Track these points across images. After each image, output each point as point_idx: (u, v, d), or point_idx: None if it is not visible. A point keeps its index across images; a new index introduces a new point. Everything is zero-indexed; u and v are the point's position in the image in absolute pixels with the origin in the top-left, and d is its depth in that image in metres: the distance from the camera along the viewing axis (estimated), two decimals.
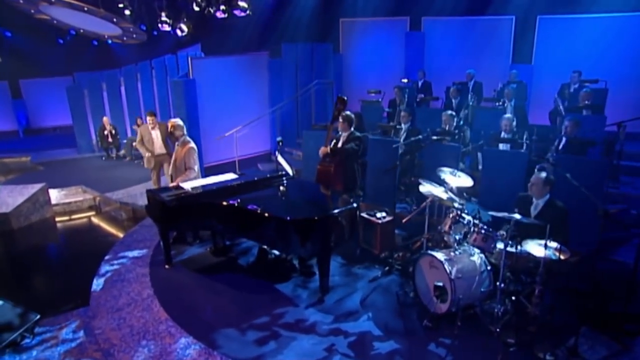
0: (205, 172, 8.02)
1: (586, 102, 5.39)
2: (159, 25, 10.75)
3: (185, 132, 4.84)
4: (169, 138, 5.25)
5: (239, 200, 3.81)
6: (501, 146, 4.84)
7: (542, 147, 4.90)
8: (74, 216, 7.08)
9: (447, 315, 3.34)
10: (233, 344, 3.24)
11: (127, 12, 9.66)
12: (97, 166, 9.52)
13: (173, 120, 4.80)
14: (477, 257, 3.46)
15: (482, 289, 3.39)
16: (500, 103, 6.13)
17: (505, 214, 3.15)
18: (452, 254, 3.44)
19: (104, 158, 10.09)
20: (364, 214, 4.53)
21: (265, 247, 4.65)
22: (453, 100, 6.74)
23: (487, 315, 3.35)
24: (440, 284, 3.31)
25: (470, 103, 6.74)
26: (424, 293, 3.58)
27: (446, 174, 4.13)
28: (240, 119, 7.99)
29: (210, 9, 9.94)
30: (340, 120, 4.69)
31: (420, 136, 5.06)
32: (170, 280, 4.27)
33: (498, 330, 3.11)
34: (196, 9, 10.21)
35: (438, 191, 3.85)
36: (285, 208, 3.75)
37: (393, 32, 9.29)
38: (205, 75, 7.61)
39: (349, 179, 4.85)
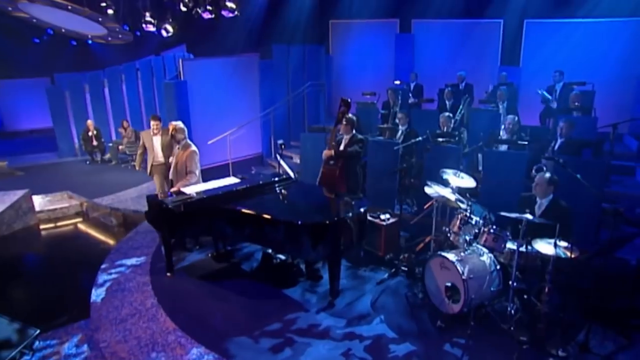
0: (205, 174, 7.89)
1: (576, 103, 5.58)
2: (143, 25, 10.48)
3: (186, 135, 4.73)
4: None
5: (247, 205, 3.74)
6: (499, 147, 4.94)
7: (536, 147, 5.02)
8: (59, 223, 6.82)
9: (459, 316, 3.38)
10: (247, 353, 3.18)
11: (110, 11, 9.37)
12: (81, 171, 9.18)
13: (175, 122, 4.68)
14: (487, 257, 3.52)
15: (492, 289, 3.45)
16: (494, 105, 6.26)
17: (517, 215, 3.21)
18: (462, 254, 3.49)
19: (88, 162, 9.75)
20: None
21: (270, 251, 4.61)
22: (447, 102, 6.84)
23: (498, 314, 3.41)
24: (449, 284, 3.36)
25: (463, 105, 6.88)
26: (434, 294, 3.61)
27: (449, 175, 4.19)
28: (231, 121, 7.87)
29: (198, 9, 9.77)
30: (344, 122, 4.69)
31: (419, 138, 5.11)
32: (173, 288, 4.15)
33: (512, 328, 3.17)
34: (183, 9, 10.02)
35: (446, 192, 3.89)
36: (296, 212, 3.71)
37: (383, 34, 9.37)
38: (196, 77, 7.46)
39: (352, 181, 4.86)
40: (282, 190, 4.24)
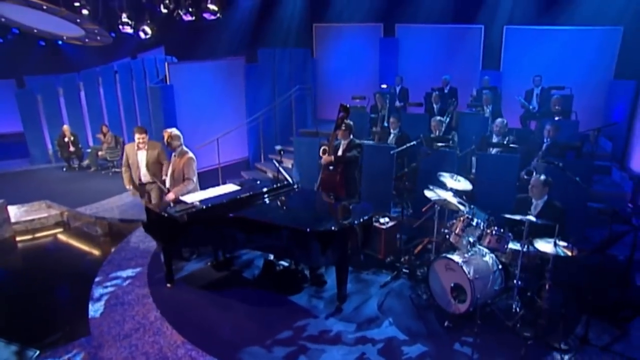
0: None
1: (557, 107, 5.88)
2: (120, 27, 10.14)
3: (182, 141, 4.63)
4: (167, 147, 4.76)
5: (254, 213, 3.72)
6: (490, 150, 5.13)
7: (523, 150, 5.25)
8: (38, 235, 6.50)
9: (465, 315, 3.50)
10: None
11: (84, 11, 9.01)
12: (59, 178, 8.77)
13: (170, 130, 4.56)
14: (489, 258, 3.66)
15: (495, 287, 3.59)
16: (479, 108, 6.50)
17: (521, 217, 3.36)
18: (466, 255, 3.61)
19: (64, 169, 9.31)
20: None
21: (271, 258, 4.58)
22: (435, 106, 7.03)
23: (501, 312, 3.55)
24: (452, 284, 3.48)
25: (453, 108, 7.10)
26: (439, 295, 3.72)
27: (447, 178, 4.32)
28: (218, 126, 7.76)
29: (179, 11, 9.56)
30: (343, 128, 4.73)
31: (414, 142, 5.24)
32: (176, 299, 4.05)
33: (519, 325, 3.32)
34: (164, 10, 9.78)
35: (447, 195, 4.02)
36: (304, 219, 3.71)
37: (367, 38, 9.50)
38: (181, 81, 7.30)
39: (351, 185, 4.92)
40: (286, 197, 4.23)
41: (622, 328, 3.45)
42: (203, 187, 4.72)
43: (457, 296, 3.55)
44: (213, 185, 4.67)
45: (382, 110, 7.34)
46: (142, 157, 4.90)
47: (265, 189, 4.24)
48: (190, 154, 4.60)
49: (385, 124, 7.22)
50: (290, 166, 7.38)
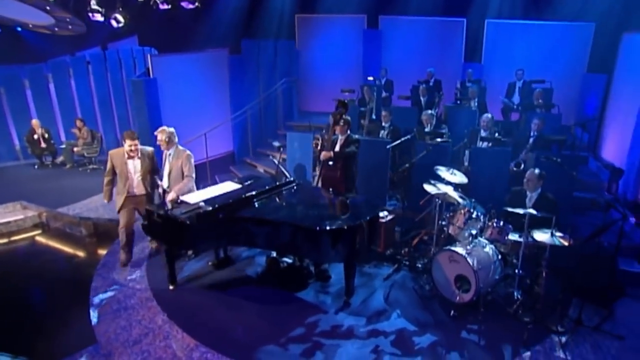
0: None
1: (540, 100, 6.16)
2: (89, 14, 9.56)
3: (177, 139, 4.51)
4: (161, 147, 4.48)
5: (264, 212, 3.71)
6: (480, 144, 5.33)
7: (510, 142, 5.49)
8: (15, 238, 6.17)
9: (469, 304, 3.67)
10: None
11: None
12: (32, 176, 8.28)
13: (166, 128, 4.40)
14: (489, 248, 3.84)
15: (495, 277, 3.79)
16: (466, 101, 6.70)
17: (523, 210, 3.54)
18: (468, 247, 3.77)
19: (36, 166, 8.80)
20: None
21: (274, 255, 4.59)
22: (422, 99, 7.16)
23: (501, 299, 3.76)
24: (456, 275, 3.64)
25: (439, 101, 7.28)
26: (443, 286, 3.87)
27: (443, 172, 4.47)
28: (202, 119, 7.58)
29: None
30: (342, 123, 4.75)
31: (408, 136, 5.34)
32: (181, 301, 3.99)
33: (520, 311, 3.53)
34: None
35: (448, 189, 4.16)
36: (314, 217, 3.72)
37: (350, 30, 9.48)
38: (165, 74, 7.04)
39: (350, 180, 4.96)
40: (289, 194, 4.23)
41: (608, 308, 3.75)
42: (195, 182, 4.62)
43: (460, 286, 3.72)
44: (203, 181, 4.58)
45: (369, 103, 7.41)
46: (133, 166, 4.41)
47: (267, 187, 4.21)
48: (188, 151, 4.49)
49: (374, 117, 7.31)
50: (280, 161, 7.34)
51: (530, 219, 3.64)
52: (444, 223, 4.30)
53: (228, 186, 4.44)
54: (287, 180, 4.50)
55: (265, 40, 8.58)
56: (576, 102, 7.41)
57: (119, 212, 4.53)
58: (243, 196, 3.94)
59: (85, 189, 7.27)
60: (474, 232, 3.86)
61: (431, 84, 7.87)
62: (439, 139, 4.96)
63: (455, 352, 3.26)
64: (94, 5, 9.39)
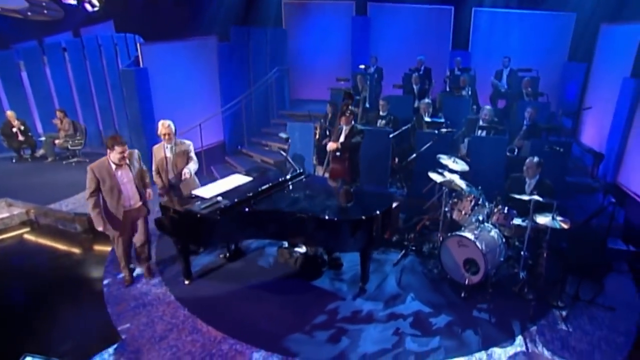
0: None
1: (529, 89, 6.45)
2: None
3: None
4: (164, 141, 4.27)
5: (283, 205, 3.79)
6: (478, 132, 5.54)
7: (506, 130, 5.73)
8: (3, 237, 5.94)
9: (477, 285, 3.93)
10: (309, 348, 3.33)
11: None
12: (11, 171, 7.86)
13: (167, 122, 4.31)
14: (494, 233, 4.09)
15: (501, 259, 4.06)
16: (457, 90, 6.90)
17: (528, 197, 3.78)
18: (476, 232, 4.00)
19: (14, 160, 8.36)
20: None
21: (285, 245, 4.67)
22: (415, 87, 7.31)
23: (506, 279, 4.04)
24: (465, 259, 3.88)
25: (426, 87, 7.45)
26: (452, 269, 4.10)
27: (446, 160, 4.66)
28: (194, 109, 7.45)
29: None
30: (347, 114, 4.83)
31: (409, 125, 5.48)
32: (199, 295, 4.03)
33: (526, 290, 3.81)
34: None
35: (455, 178, 4.36)
36: (332, 208, 3.83)
37: (339, 16, 9.43)
38: (155, 63, 6.81)
39: (355, 170, 5.08)
40: (303, 186, 4.30)
41: (600, 283, 4.11)
42: None
43: (469, 269, 3.96)
44: (198, 172, 4.58)
45: (363, 92, 7.48)
46: (125, 174, 3.83)
47: (281, 179, 4.27)
48: (187, 141, 4.47)
49: (367, 105, 7.41)
50: (287, 151, 7.35)
51: (528, 203, 3.90)
52: (446, 209, 4.52)
53: (238, 179, 4.45)
54: (298, 172, 4.55)
55: (255, 27, 8.41)
56: (558, 89, 7.78)
57: (118, 237, 3.90)
58: (260, 190, 3.97)
59: (74, 184, 7.00)
60: (480, 217, 4.09)
61: (421, 72, 8.01)
62: (444, 130, 5.13)
63: (470, 330, 3.51)
64: None
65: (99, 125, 9.69)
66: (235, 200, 3.74)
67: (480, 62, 8.29)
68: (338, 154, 4.87)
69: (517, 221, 4.02)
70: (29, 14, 8.02)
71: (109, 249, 5.29)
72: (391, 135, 5.34)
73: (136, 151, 4.07)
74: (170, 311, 3.80)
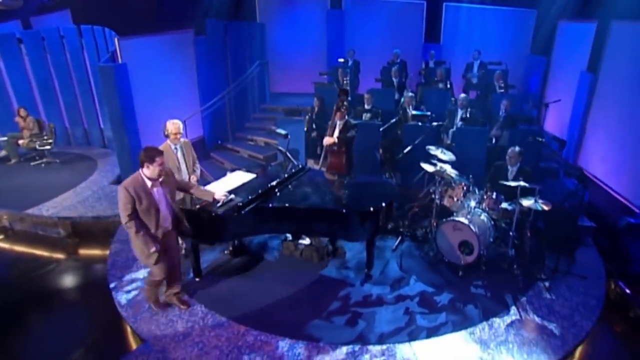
0: None
1: (500, 82, 6.96)
2: None
3: None
4: (169, 140, 4.21)
5: (296, 201, 3.94)
6: (459, 124, 5.95)
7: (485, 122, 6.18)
8: None
9: (471, 265, 4.33)
10: (330, 333, 3.54)
11: None
12: None
13: (177, 121, 4.27)
14: (484, 216, 4.50)
15: (490, 239, 4.48)
16: (434, 82, 7.29)
17: (515, 183, 4.19)
18: (469, 217, 4.38)
19: None
20: None
21: (289, 237, 4.82)
22: (394, 80, 7.60)
23: (495, 257, 4.48)
24: (460, 241, 4.26)
25: (402, 80, 7.77)
26: (448, 251, 4.47)
27: (436, 151, 5.01)
28: (174, 105, 7.29)
29: None
30: (343, 109, 5.01)
31: (395, 119, 5.77)
32: (212, 291, 4.09)
33: (515, 266, 4.26)
34: None
35: (447, 167, 4.71)
36: (341, 201, 4.04)
37: (313, 10, 9.49)
38: (133, 58, 6.56)
39: (350, 163, 5.31)
40: (308, 181, 4.46)
41: (572, 256, 4.68)
42: None
43: (463, 250, 4.35)
44: None
45: (344, 85, 7.67)
46: (160, 193, 3.33)
47: (286, 175, 4.40)
48: (185, 139, 4.47)
49: (349, 98, 7.61)
50: (264, 145, 7.38)
51: (513, 189, 4.33)
52: (436, 197, 4.88)
53: (242, 176, 4.53)
54: (299, 167, 4.69)
55: (231, 21, 8.27)
56: (522, 81, 8.44)
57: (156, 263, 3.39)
58: (270, 186, 4.08)
59: (50, 186, 6.68)
60: (472, 203, 4.48)
61: (398, 64, 8.33)
62: (435, 123, 5.46)
63: (470, 305, 3.90)
64: None
65: (64, 122, 9.15)
66: (249, 197, 3.83)
67: (451, 55, 8.75)
68: (335, 148, 5.06)
69: (504, 205, 4.45)
70: None
71: (98, 252, 5.24)
72: (381, 129, 5.60)
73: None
74: (187, 309, 3.85)
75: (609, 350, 3.82)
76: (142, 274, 4.40)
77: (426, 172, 5.03)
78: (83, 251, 5.51)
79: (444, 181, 4.91)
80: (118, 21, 8.71)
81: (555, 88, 7.67)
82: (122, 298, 4.00)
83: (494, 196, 4.44)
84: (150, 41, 7.03)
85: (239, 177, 4.49)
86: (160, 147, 4.29)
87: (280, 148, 5.05)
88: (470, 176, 4.69)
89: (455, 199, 4.64)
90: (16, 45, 8.50)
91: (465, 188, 4.58)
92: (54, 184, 6.83)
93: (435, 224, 4.74)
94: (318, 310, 3.81)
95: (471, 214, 4.43)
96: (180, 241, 4.07)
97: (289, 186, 4.33)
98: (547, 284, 4.20)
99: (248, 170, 4.78)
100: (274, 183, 4.16)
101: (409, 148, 5.14)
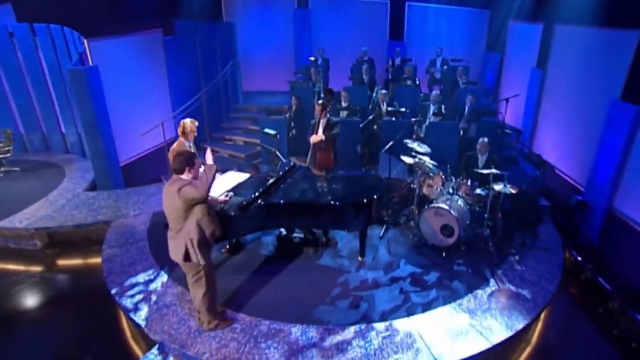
0: (129, 169, 7.02)
1: (463, 77, 7.56)
2: None
3: None
4: (182, 138, 4.27)
5: (296, 196, 4.17)
6: (432, 118, 6.43)
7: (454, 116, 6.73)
8: None
9: (452, 246, 4.80)
10: (336, 315, 3.84)
11: None
12: None
13: (193, 119, 4.33)
14: (461, 201, 4.99)
15: (467, 222, 4.99)
16: (402, 80, 7.76)
17: (488, 170, 4.69)
18: (448, 202, 4.85)
19: None
20: None
21: (283, 232, 5.03)
22: (365, 77, 7.97)
23: (472, 237, 5.00)
24: (442, 225, 4.72)
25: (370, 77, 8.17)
26: (431, 235, 4.91)
27: (413, 144, 5.44)
28: (147, 107, 7.19)
29: None
30: (328, 109, 5.28)
31: (372, 115, 6.14)
32: (217, 288, 4.21)
33: (490, 244, 4.79)
34: None
35: (426, 159, 5.14)
36: (338, 195, 4.31)
37: (280, 9, 9.62)
38: (104, 61, 6.37)
39: (336, 158, 5.60)
40: (301, 177, 4.69)
41: (535, 232, 5.33)
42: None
43: (445, 233, 4.81)
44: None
45: (317, 83, 7.92)
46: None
47: (282, 173, 4.61)
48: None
49: (322, 96, 7.88)
50: (243, 144, 7.44)
51: (486, 176, 4.86)
52: (414, 186, 5.31)
53: (236, 176, 4.66)
54: (291, 165, 4.90)
55: (201, 21, 8.20)
56: (479, 76, 9.18)
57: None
58: (269, 184, 4.27)
59: (16, 197, 6.36)
60: (451, 190, 4.95)
61: (366, 62, 8.72)
62: (413, 119, 5.89)
63: (455, 281, 4.37)
64: None
65: (19, 128, 8.57)
66: (252, 195, 4.00)
67: (414, 52, 9.30)
68: (323, 145, 5.32)
69: (478, 191, 4.97)
70: None
71: (81, 261, 5.19)
72: (361, 125, 5.94)
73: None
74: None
75: (566, 306, 4.49)
76: (142, 277, 4.42)
77: (405, 163, 5.45)
78: (66, 261, 5.39)
79: (421, 172, 5.35)
80: (78, 20, 8.30)
81: (509, 82, 8.46)
82: (127, 303, 4.02)
83: (468, 183, 4.94)
84: (119, 42, 6.84)
85: (233, 177, 4.61)
86: (175, 146, 4.34)
87: (270, 147, 5.22)
88: (448, 166, 5.16)
89: (434, 188, 5.09)
90: None
91: (443, 177, 5.04)
92: (20, 194, 6.50)
93: (417, 211, 5.17)
94: (322, 297, 4.08)
95: (450, 200, 4.91)
96: None
97: (287, 183, 4.54)
98: (517, 257, 4.78)
99: (240, 170, 4.92)
100: (272, 181, 4.35)
101: (391, 143, 5.51)
